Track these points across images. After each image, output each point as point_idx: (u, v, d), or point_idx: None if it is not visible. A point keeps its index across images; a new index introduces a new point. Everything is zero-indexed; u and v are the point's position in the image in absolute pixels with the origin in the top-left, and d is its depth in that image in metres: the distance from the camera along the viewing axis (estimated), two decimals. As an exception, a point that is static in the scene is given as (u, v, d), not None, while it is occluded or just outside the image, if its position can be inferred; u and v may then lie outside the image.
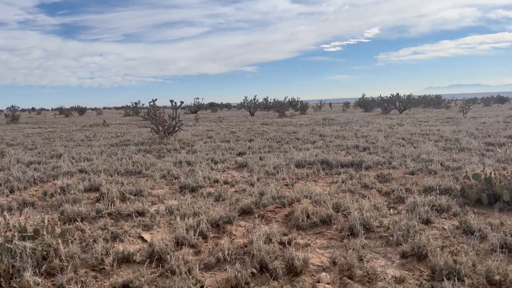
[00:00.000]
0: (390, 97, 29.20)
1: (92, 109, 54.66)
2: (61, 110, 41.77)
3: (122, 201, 4.62)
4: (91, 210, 4.24)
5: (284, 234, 3.50)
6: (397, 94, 28.85)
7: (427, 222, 3.74)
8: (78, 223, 3.82)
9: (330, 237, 3.53)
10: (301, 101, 36.17)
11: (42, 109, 55.35)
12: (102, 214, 4.14)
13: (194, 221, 3.63)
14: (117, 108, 66.13)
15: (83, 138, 13.04)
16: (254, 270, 2.70)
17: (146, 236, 3.60)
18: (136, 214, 4.13)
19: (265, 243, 3.13)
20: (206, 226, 3.55)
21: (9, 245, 2.75)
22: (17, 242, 2.79)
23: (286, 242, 3.25)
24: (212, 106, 47.47)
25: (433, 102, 39.54)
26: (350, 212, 3.92)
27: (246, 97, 33.22)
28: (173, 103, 12.15)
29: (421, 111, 30.67)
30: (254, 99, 32.98)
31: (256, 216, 4.07)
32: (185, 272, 2.69)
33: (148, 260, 2.98)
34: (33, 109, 55.03)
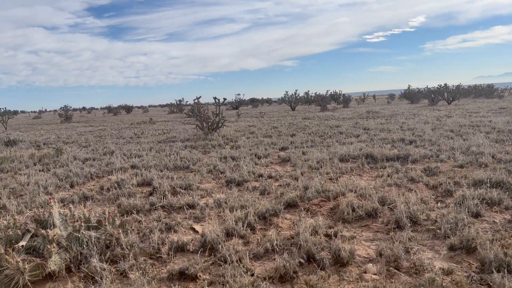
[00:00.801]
0: (437, 87, 28.10)
1: (138, 107, 56.78)
2: (109, 109, 43.75)
3: (173, 195, 4.87)
4: (145, 203, 4.53)
5: (330, 227, 3.58)
6: (445, 84, 27.70)
7: (476, 215, 3.67)
8: (134, 215, 4.10)
9: (376, 230, 3.56)
10: (343, 94, 35.62)
11: (92, 108, 58.23)
12: (155, 207, 4.40)
13: (242, 214, 3.79)
14: (161, 106, 68.23)
15: (132, 136, 13.66)
16: (302, 260, 2.81)
17: (197, 227, 3.80)
18: (187, 206, 4.35)
19: (311, 235, 3.22)
20: (254, 218, 3.70)
21: (77, 234, 3.02)
22: (83, 232, 3.07)
23: (332, 234, 3.33)
24: (253, 102, 47.80)
25: (485, 91, 37.54)
26: (396, 206, 3.92)
27: (286, 92, 33.21)
28: (216, 100, 12.44)
29: (471, 102, 29.24)
30: (295, 93, 32.89)
31: (301, 209, 4.17)
32: (236, 261, 2.85)
33: (201, 249, 3.16)
34: (83, 108, 58.02)
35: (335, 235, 3.29)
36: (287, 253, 2.91)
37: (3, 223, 3.21)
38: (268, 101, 52.03)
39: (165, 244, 3.30)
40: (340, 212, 3.90)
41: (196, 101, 12.48)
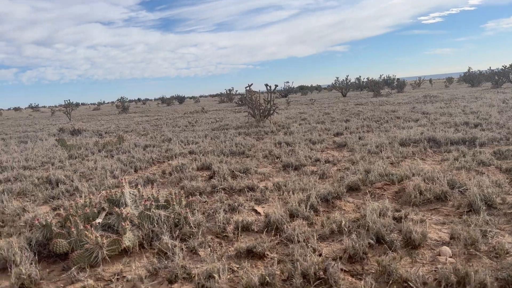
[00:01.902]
0: (501, 69, 26.16)
1: (190, 98, 58.21)
2: (163, 100, 45.21)
3: (233, 178, 4.94)
4: (206, 185, 4.63)
5: (397, 210, 3.45)
6: (510, 65, 25.70)
7: (560, 200, 3.38)
8: (198, 196, 4.21)
9: (446, 214, 3.38)
10: (398, 79, 34.20)
11: (147, 99, 60.49)
12: (217, 189, 4.49)
13: (304, 196, 3.76)
14: (212, 96, 69.48)
15: (186, 124, 14.03)
16: (371, 241, 2.74)
17: (259, 209, 3.83)
18: (247, 189, 4.40)
19: (378, 217, 3.13)
20: (316, 200, 3.65)
21: (148, 213, 3.15)
22: (153, 210, 3.19)
23: (400, 217, 3.21)
24: (302, 89, 47.28)
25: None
26: (467, 189, 3.70)
27: (337, 78, 32.46)
28: (268, 87, 12.42)
29: (541, 83, 26.95)
30: (346, 79, 32.07)
31: (364, 192, 4.06)
32: (303, 241, 2.84)
33: (266, 229, 3.18)
34: (138, 99, 60.45)
35: (404, 218, 3.17)
36: (355, 234, 2.84)
37: (80, 202, 3.42)
38: (318, 88, 51.22)
39: (230, 224, 3.36)
40: (406, 195, 3.75)
41: (247, 88, 12.54)
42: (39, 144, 10.17)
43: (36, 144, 10.34)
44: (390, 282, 2.26)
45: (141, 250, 2.99)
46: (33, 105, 51.79)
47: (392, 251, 2.63)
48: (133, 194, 3.48)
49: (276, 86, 12.54)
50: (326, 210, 3.65)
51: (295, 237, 2.89)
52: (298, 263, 2.40)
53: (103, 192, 3.78)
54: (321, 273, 2.34)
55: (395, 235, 2.83)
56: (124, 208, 3.20)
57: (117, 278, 2.61)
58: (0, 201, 4.54)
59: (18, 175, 5.96)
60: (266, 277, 2.32)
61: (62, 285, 2.58)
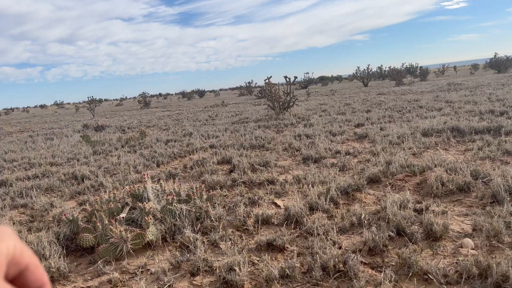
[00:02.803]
0: (530, 53, 25.14)
1: (210, 91, 58.53)
2: (183, 94, 45.64)
3: (253, 172, 4.97)
4: (227, 179, 4.69)
5: (418, 202, 3.42)
6: (540, 49, 24.70)
7: None
8: (218, 190, 4.27)
9: (469, 205, 3.32)
10: (421, 67, 33.43)
11: (168, 94, 61.20)
12: (237, 183, 4.54)
13: (323, 189, 3.76)
14: (232, 89, 69.66)
15: (207, 118, 14.14)
16: (392, 234, 2.73)
17: (279, 202, 3.85)
18: (267, 182, 4.43)
19: (399, 209, 3.10)
20: (336, 193, 3.65)
21: (170, 207, 3.23)
22: (175, 205, 3.26)
23: (421, 209, 3.18)
24: (322, 80, 46.82)
25: None
26: (491, 179, 3.62)
27: (358, 67, 31.97)
28: (287, 79, 12.36)
29: None
30: (368, 68, 31.55)
31: (385, 184, 4.03)
32: (323, 234, 2.85)
33: (286, 222, 3.21)
34: (160, 94, 61.22)
35: (425, 210, 3.14)
36: (375, 227, 2.83)
37: (104, 197, 3.53)
38: (338, 78, 50.62)
39: (250, 217, 3.39)
40: (428, 187, 3.70)
41: (267, 81, 12.52)
42: (65, 141, 10.47)
43: (62, 140, 10.65)
44: (410, 274, 2.25)
45: (164, 243, 3.07)
46: (58, 102, 53.23)
47: (412, 243, 2.61)
48: (155, 189, 3.56)
49: (296, 78, 12.47)
50: (346, 202, 3.64)
51: (315, 230, 2.91)
52: (317, 256, 2.42)
53: (127, 187, 3.88)
54: (341, 265, 2.35)
55: (416, 227, 2.81)
56: (147, 203, 3.28)
57: (141, 271, 2.69)
58: (29, 197, 4.72)
59: (46, 171, 6.18)
60: (286, 269, 2.35)
61: (89, 278, 2.68)
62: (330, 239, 2.76)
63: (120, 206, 3.35)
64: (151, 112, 22.89)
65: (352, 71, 34.51)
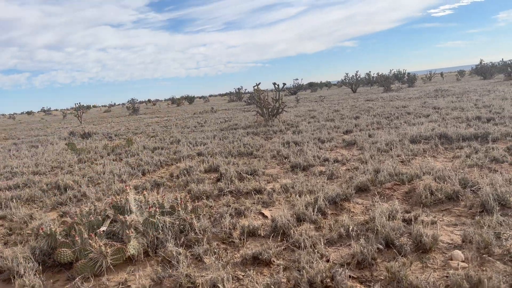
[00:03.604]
0: (515, 60, 25.61)
1: (200, 97, 58.34)
2: (173, 100, 45.41)
3: (240, 180, 4.88)
4: (213, 189, 4.58)
5: (407, 212, 3.36)
6: (525, 56, 25.16)
7: None
8: (204, 200, 4.17)
9: (458, 214, 3.28)
10: (408, 73, 33.79)
11: (157, 100, 60.89)
12: (224, 192, 4.44)
13: (311, 198, 3.69)
14: (221, 95, 69.55)
15: (195, 125, 14.01)
16: (380, 246, 2.66)
17: (266, 212, 3.77)
18: (254, 192, 4.34)
19: (388, 219, 3.04)
20: (324, 203, 3.58)
21: (152, 220, 3.12)
22: (158, 217, 3.15)
23: (410, 219, 3.12)
24: (312, 86, 47.03)
25: None
26: (480, 188, 3.59)
27: (347, 74, 32.19)
28: (276, 86, 12.33)
29: (556, 73, 26.31)
30: (356, 74, 31.79)
31: (374, 193, 3.97)
32: (310, 246, 2.77)
33: (272, 234, 3.12)
34: (149, 100, 60.84)
35: (414, 220, 3.08)
36: (364, 238, 2.76)
37: (85, 209, 3.41)
38: (327, 85, 50.91)
39: (236, 229, 3.30)
40: (417, 195, 3.65)
41: (255, 87, 12.47)
42: (50, 148, 10.25)
43: (47, 148, 10.43)
44: (401, 289, 2.18)
45: (146, 258, 2.96)
46: (45, 108, 52.53)
47: (401, 256, 2.54)
48: (138, 200, 3.44)
49: (284, 84, 12.45)
50: (334, 212, 3.57)
51: (302, 243, 2.82)
52: (304, 270, 2.33)
53: (108, 199, 3.76)
54: (328, 281, 2.27)
55: (405, 239, 2.75)
56: (128, 215, 3.16)
57: (122, 288, 2.57)
58: (9, 208, 4.56)
59: (28, 180, 6.00)
60: (272, 286, 2.26)
61: (66, 295, 2.56)
62: (318, 252, 2.68)
63: (100, 219, 3.23)
64: (140, 118, 22.66)
65: (341, 77, 34.72)
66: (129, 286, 2.59)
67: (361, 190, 4.11)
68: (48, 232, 3.01)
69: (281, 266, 2.60)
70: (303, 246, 2.79)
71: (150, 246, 3.01)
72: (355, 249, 2.59)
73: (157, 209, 3.17)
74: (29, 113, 53.20)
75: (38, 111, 55.90)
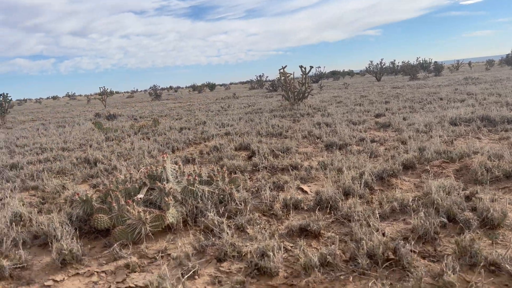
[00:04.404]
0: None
1: (220, 85, 58.26)
2: (194, 87, 45.41)
3: (274, 157, 4.69)
4: (247, 164, 4.41)
5: (462, 189, 3.11)
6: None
7: None
8: (239, 174, 3.99)
9: (520, 193, 3.01)
10: (435, 62, 32.78)
11: (178, 87, 61.05)
12: (258, 168, 4.27)
13: (356, 173, 3.47)
14: (242, 83, 69.29)
15: (219, 109, 13.86)
16: (444, 219, 2.43)
17: (305, 187, 3.57)
18: (291, 167, 4.14)
19: (446, 194, 2.80)
20: (370, 178, 3.36)
21: (191, 188, 2.96)
22: (197, 186, 3.00)
23: (468, 196, 2.87)
24: (334, 74, 46.25)
25: None
26: (540, 167, 3.30)
27: (371, 61, 31.39)
28: (303, 69, 12.03)
29: None
30: (381, 62, 30.98)
31: (420, 171, 3.72)
32: (362, 220, 2.56)
33: (317, 208, 2.92)
34: (170, 87, 61.09)
35: (472, 196, 2.83)
36: (424, 212, 2.53)
37: (120, 177, 3.28)
38: (350, 73, 49.97)
39: (277, 201, 3.12)
40: (471, 173, 3.39)
41: (281, 70, 12.19)
42: (77, 128, 10.28)
43: (74, 128, 10.47)
44: (471, 264, 1.96)
45: (185, 227, 2.81)
46: (70, 93, 53.48)
47: (468, 231, 2.31)
48: (174, 170, 3.30)
49: (311, 67, 12.12)
50: (381, 188, 3.35)
51: (353, 215, 2.62)
52: (363, 242, 2.13)
53: (143, 168, 3.63)
54: (390, 253, 2.07)
55: (469, 213, 2.50)
56: (166, 184, 3.02)
57: (162, 256, 2.43)
58: (41, 179, 4.51)
59: (57, 155, 5.96)
60: (328, 256, 2.07)
61: (104, 262, 2.43)
62: (372, 225, 2.47)
63: (137, 186, 3.09)
64: (162, 103, 22.67)
65: (363, 67, 33.98)
66: (170, 254, 2.44)
67: (406, 168, 3.86)
68: (84, 198, 2.90)
69: (332, 239, 2.40)
70: (354, 219, 2.59)
71: (189, 215, 2.86)
72: (416, 222, 2.37)
73: (196, 177, 3.01)
74: (54, 98, 54.21)
75: (63, 96, 56.93)
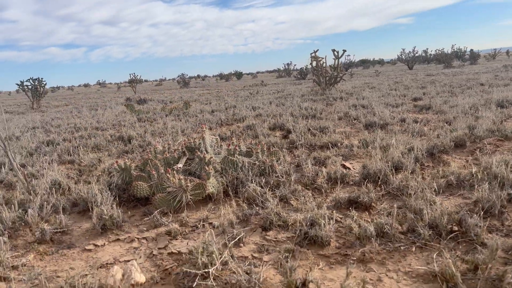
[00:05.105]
0: None
1: (247, 74, 58.08)
2: (221, 76, 45.44)
3: (312, 135, 4.52)
4: (284, 141, 4.27)
5: (523, 165, 2.86)
6: None
7: None
8: (276, 149, 3.86)
9: None
10: (471, 50, 31.44)
11: (205, 76, 61.27)
12: (295, 145, 4.11)
13: (405, 148, 3.27)
14: (269, 72, 68.80)
15: (247, 95, 13.72)
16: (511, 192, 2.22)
17: (347, 164, 3.40)
18: (331, 145, 3.97)
19: (509, 170, 2.57)
20: (420, 153, 3.15)
21: (232, 158, 2.85)
22: (238, 156, 2.88)
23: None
24: (364, 63, 45.17)
25: None
26: None
27: (403, 49, 30.41)
28: (335, 52, 11.70)
29: None
30: (413, 50, 29.97)
31: (472, 149, 3.48)
32: (419, 192, 2.38)
33: (364, 181, 2.75)
34: (198, 76, 61.40)
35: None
36: (488, 184, 2.32)
37: (158, 147, 3.20)
38: (380, 62, 48.70)
39: (320, 176, 2.96)
40: (531, 150, 3.12)
41: (313, 54, 11.90)
42: (109, 111, 10.39)
43: (106, 111, 10.59)
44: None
45: (225, 197, 2.71)
46: (100, 81, 54.64)
47: (540, 205, 2.09)
48: (213, 141, 3.19)
49: (344, 51, 11.75)
50: (432, 165, 3.13)
51: (407, 189, 2.44)
52: (425, 212, 1.95)
53: (181, 140, 3.55)
54: (454, 225, 1.89)
55: (540, 188, 2.28)
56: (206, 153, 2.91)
57: (203, 224, 2.33)
58: (77, 154, 4.52)
59: (92, 133, 6.00)
60: (385, 225, 1.91)
61: (145, 229, 2.36)
62: (429, 198, 2.28)
63: (176, 156, 3.01)
64: (191, 90, 22.74)
65: (393, 56, 33.01)
66: (211, 223, 2.34)
67: (456, 146, 3.62)
68: (123, 166, 2.83)
69: (386, 211, 2.23)
70: (407, 193, 2.41)
71: (230, 185, 2.75)
72: (480, 195, 2.17)
73: (236, 147, 2.89)
74: (86, 85, 55.51)
75: (94, 84, 58.25)
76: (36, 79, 15.34)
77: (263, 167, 2.92)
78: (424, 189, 2.41)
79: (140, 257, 2.03)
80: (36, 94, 15.14)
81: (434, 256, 1.72)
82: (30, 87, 15.04)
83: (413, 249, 1.81)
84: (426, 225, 1.90)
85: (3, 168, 3.79)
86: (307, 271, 1.59)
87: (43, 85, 15.53)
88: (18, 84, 15.48)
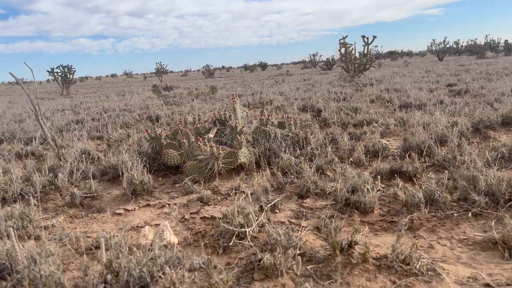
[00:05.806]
0: None
1: (272, 65, 57.71)
2: (246, 67, 45.29)
3: (345, 115, 4.36)
4: (315, 120, 4.12)
5: None
6: None
7: None
8: (309, 123, 3.72)
9: None
10: (506, 40, 30.14)
11: (230, 67, 61.28)
12: (328, 123, 3.97)
13: (449, 123, 3.08)
14: (294, 63, 68.14)
15: (273, 83, 13.57)
16: None
17: (384, 141, 3.23)
18: (366, 123, 3.80)
19: None
20: (465, 128, 2.95)
21: (264, 128, 2.74)
22: (270, 127, 2.77)
23: None
24: (392, 55, 44.04)
25: None
26: None
27: (433, 40, 29.44)
28: (365, 39, 11.37)
29: None
30: (444, 41, 28.99)
31: (519, 127, 3.25)
32: (469, 162, 2.20)
33: (406, 154, 2.59)
34: (222, 67, 61.50)
35: None
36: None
37: (189, 119, 3.13)
38: (409, 54, 47.39)
39: (356, 151, 2.82)
40: None
41: (342, 41, 11.61)
42: (136, 96, 10.46)
43: (133, 96, 10.67)
44: None
45: (257, 168, 2.60)
46: (127, 72, 55.48)
47: None
48: (244, 113, 3.09)
49: (375, 37, 11.38)
50: (478, 141, 2.93)
51: (454, 160, 2.27)
52: (480, 178, 1.79)
53: (210, 113, 3.46)
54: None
55: None
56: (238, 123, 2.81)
57: (235, 193, 2.24)
58: (106, 131, 4.51)
59: (120, 114, 6.01)
60: (436, 191, 1.76)
61: (176, 195, 2.28)
62: (480, 170, 2.10)
63: (207, 127, 2.92)
64: (216, 80, 22.75)
65: (422, 48, 32.02)
66: (244, 192, 2.24)
67: (503, 124, 3.38)
68: (153, 135, 2.77)
69: (432, 180, 2.08)
70: (455, 164, 2.24)
71: (262, 156, 2.64)
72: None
73: (269, 117, 2.78)
74: (113, 75, 56.55)
75: (121, 74, 59.24)
76: (65, 66, 15.65)
77: (296, 139, 2.80)
78: (473, 160, 2.23)
79: (172, 221, 1.95)
80: (66, 81, 15.44)
81: (493, 224, 1.56)
82: (60, 74, 15.34)
83: (468, 216, 1.65)
84: (482, 193, 1.74)
85: (34, 142, 3.82)
86: (353, 233, 1.47)
87: (72, 72, 15.82)
88: (48, 71, 15.82)
